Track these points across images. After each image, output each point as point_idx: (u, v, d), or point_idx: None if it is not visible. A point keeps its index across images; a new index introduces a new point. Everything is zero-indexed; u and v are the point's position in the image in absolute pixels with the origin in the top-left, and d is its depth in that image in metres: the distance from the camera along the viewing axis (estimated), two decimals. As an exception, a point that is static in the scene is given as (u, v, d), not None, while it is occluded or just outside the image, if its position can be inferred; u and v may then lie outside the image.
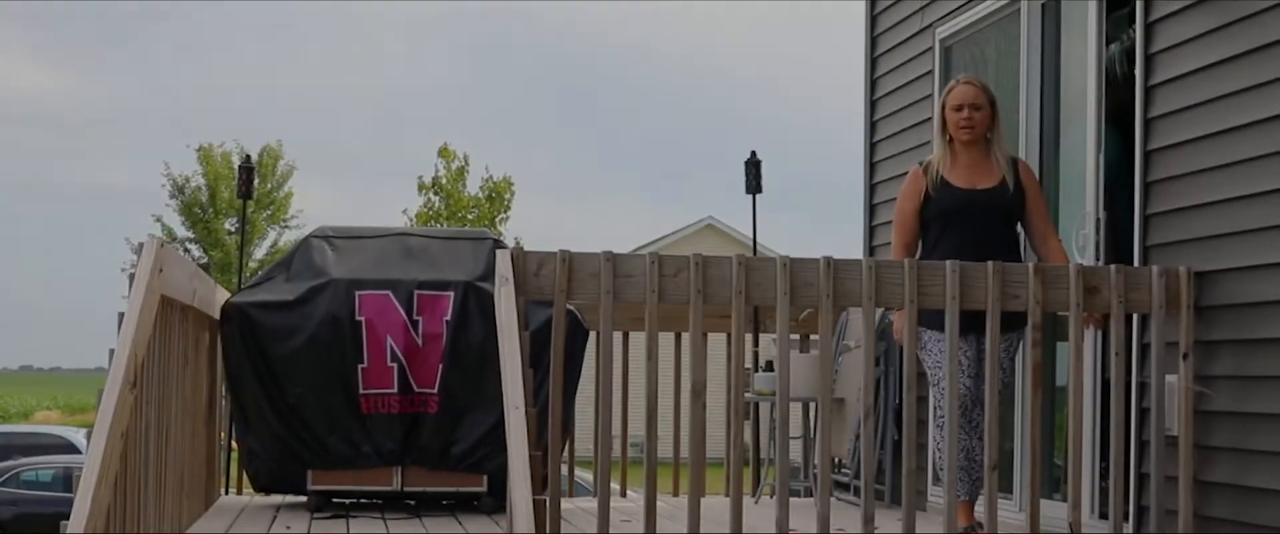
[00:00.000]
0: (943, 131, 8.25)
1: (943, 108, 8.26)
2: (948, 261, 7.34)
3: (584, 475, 16.04)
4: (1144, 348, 7.71)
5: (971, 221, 8.06)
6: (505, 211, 42.21)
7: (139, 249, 7.06)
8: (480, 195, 42.00)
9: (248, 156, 14.95)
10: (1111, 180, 8.60)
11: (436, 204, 41.73)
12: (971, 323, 7.55)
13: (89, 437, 30.93)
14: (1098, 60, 8.60)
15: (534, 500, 5.99)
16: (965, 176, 8.14)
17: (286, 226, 51.09)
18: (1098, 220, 8.44)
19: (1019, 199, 8.14)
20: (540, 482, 6.43)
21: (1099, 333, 8.07)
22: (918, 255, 8.20)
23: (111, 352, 6.38)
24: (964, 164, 8.18)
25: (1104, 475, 8.11)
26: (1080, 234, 8.62)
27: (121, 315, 6.64)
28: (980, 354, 7.82)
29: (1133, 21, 8.24)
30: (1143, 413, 7.67)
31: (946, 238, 8.08)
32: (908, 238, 8.27)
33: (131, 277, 6.89)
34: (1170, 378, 7.44)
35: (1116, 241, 8.46)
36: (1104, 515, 7.87)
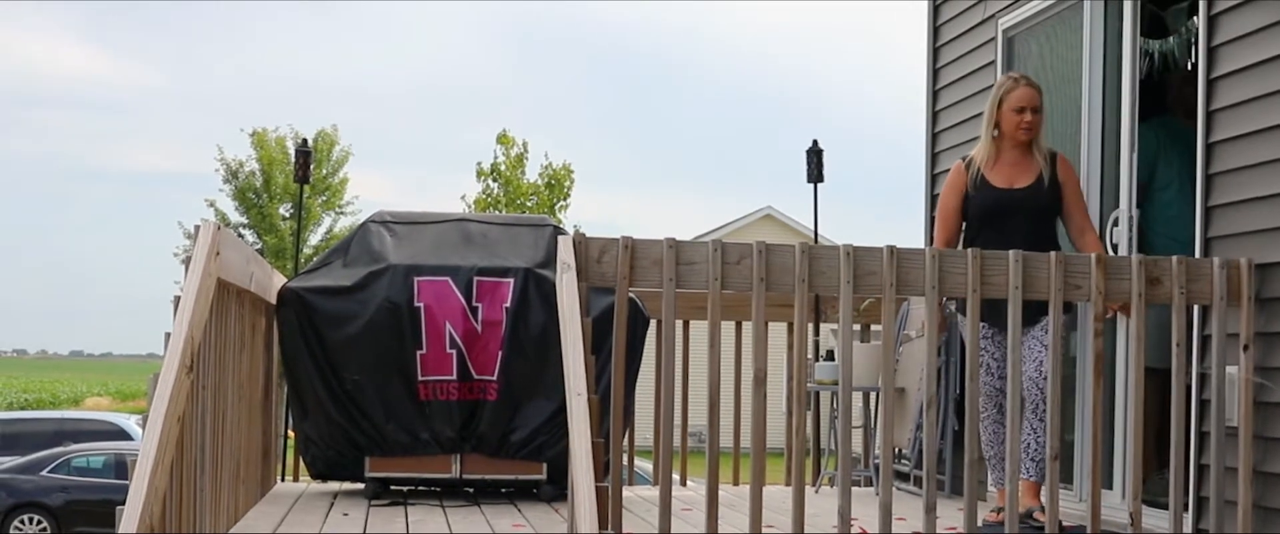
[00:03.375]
0: (992, 127, 8.24)
1: (997, 105, 8.24)
2: (1011, 251, 7.29)
3: (642, 464, 16.03)
4: (1204, 339, 7.66)
5: (1009, 220, 8.10)
6: (565, 199, 42.14)
7: (194, 233, 7.04)
8: (539, 182, 41.94)
9: (305, 141, 14.97)
10: (1144, 178, 8.61)
11: (495, 191, 41.70)
12: (996, 316, 7.54)
13: (140, 423, 31.14)
14: (1132, 58, 8.59)
15: (596, 488, 5.95)
16: (1005, 175, 8.16)
17: (341, 212, 51.10)
18: (1130, 218, 8.43)
19: (1055, 195, 8.17)
20: (602, 469, 6.40)
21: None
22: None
23: (167, 336, 6.34)
24: (1006, 162, 8.20)
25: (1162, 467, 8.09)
26: (1113, 231, 8.59)
27: (177, 299, 6.59)
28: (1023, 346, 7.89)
29: (1192, 15, 8.20)
30: (1203, 404, 7.63)
31: (984, 235, 8.08)
32: (949, 233, 8.32)
33: (186, 261, 6.86)
34: (1230, 369, 7.39)
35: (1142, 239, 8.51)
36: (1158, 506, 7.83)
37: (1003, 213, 8.14)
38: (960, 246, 8.29)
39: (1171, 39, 9.90)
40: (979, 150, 8.34)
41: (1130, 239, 8.46)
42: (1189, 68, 9.62)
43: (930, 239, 11.01)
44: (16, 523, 26.25)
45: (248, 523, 8.38)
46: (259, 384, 9.15)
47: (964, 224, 8.39)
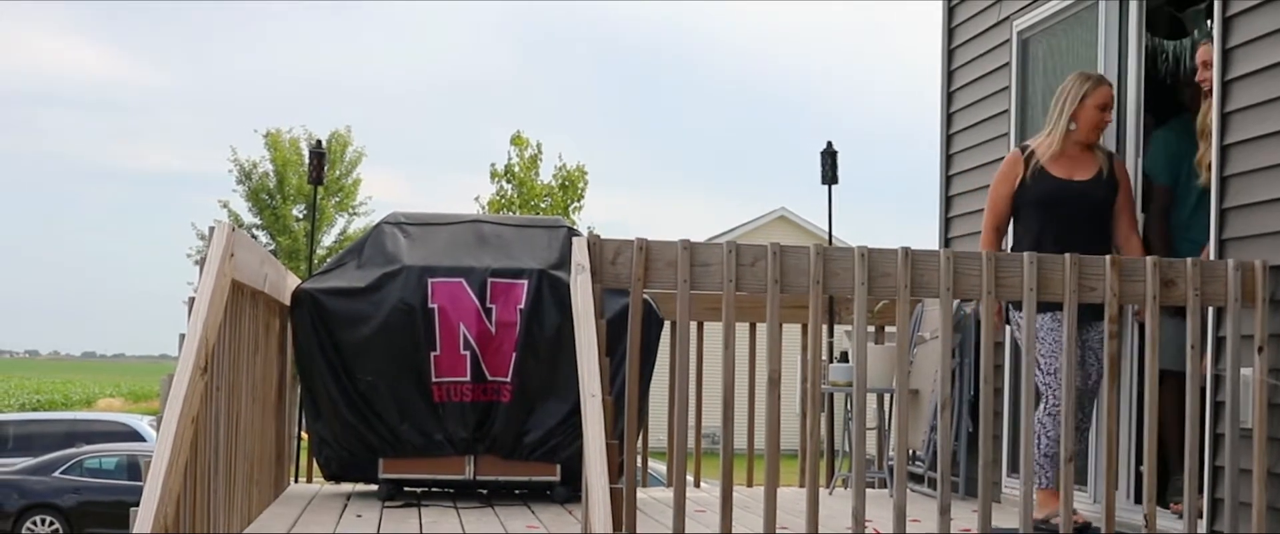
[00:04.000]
0: (1067, 121, 8.25)
1: (1080, 101, 8.24)
2: (1025, 253, 7.28)
3: (656, 466, 16.03)
4: (1219, 341, 7.65)
5: (1066, 212, 8.14)
6: (579, 200, 42.13)
7: (208, 234, 7.04)
8: (553, 183, 41.94)
9: (318, 142, 14.93)
10: (1169, 181, 8.61)
11: (509, 192, 41.70)
12: (1081, 312, 7.51)
13: (153, 424, 31.14)
14: (1138, 63, 8.61)
15: (610, 489, 5.95)
16: (1065, 167, 8.20)
17: (355, 214, 51.19)
18: (1136, 220, 8.45)
19: (1111, 193, 8.21)
20: (616, 470, 6.39)
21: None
22: (1007, 243, 8.27)
23: (181, 337, 6.34)
24: (1068, 155, 8.24)
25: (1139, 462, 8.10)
26: None
27: (191, 301, 6.59)
28: (1083, 344, 7.95)
29: (1209, 16, 8.19)
30: (1217, 406, 7.61)
31: (1040, 226, 8.10)
32: (999, 221, 8.38)
33: (199, 262, 6.85)
34: (1245, 371, 7.38)
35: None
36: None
37: (1060, 203, 8.18)
38: (1009, 236, 8.34)
39: (1187, 40, 9.90)
40: (1042, 141, 8.35)
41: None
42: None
43: (946, 240, 11.01)
44: (29, 524, 26.27)
45: (261, 524, 8.39)
46: (273, 385, 9.16)
47: (1013, 214, 8.40)
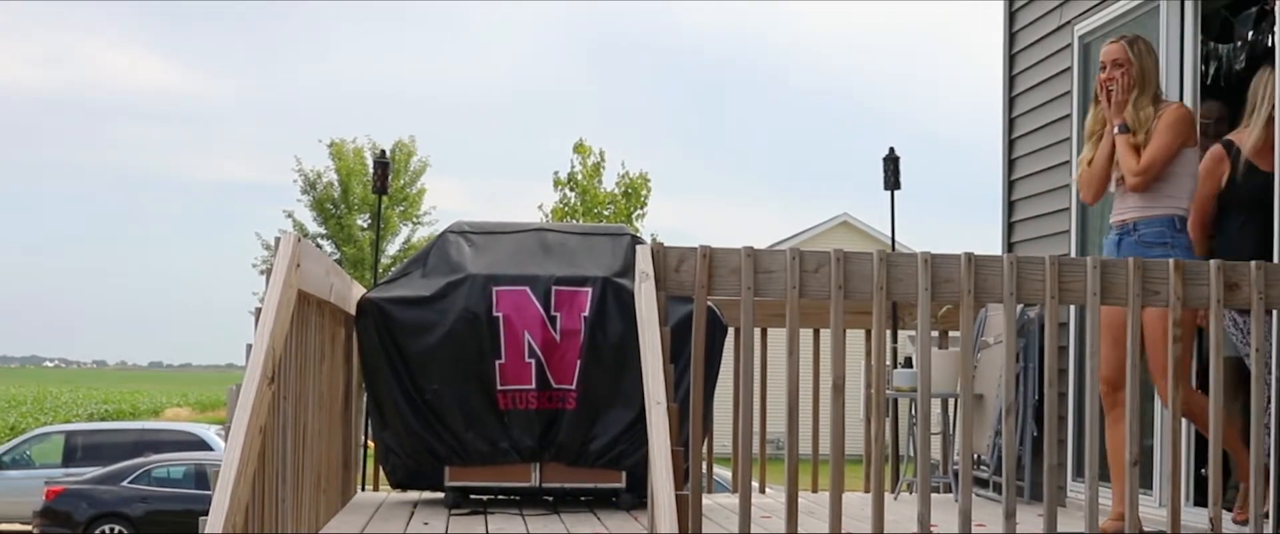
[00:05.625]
0: (1269, 114, 8.18)
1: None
2: (1089, 257, 7.26)
3: (721, 472, 16.04)
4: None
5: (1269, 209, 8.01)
6: (641, 208, 42.16)
7: (274, 244, 7.09)
8: (616, 191, 41.98)
9: (382, 152, 15.03)
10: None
11: (572, 200, 41.76)
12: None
13: (220, 434, 31.34)
14: (1194, 65, 8.58)
15: (676, 495, 5.97)
16: (1267, 159, 8.09)
17: (419, 223, 51.38)
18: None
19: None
20: (681, 476, 6.42)
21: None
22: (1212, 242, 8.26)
23: (248, 347, 6.38)
24: (1266, 146, 8.14)
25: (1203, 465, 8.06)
26: None
27: (258, 311, 6.64)
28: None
29: (1265, 17, 8.17)
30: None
31: (1251, 224, 8.09)
32: (1205, 218, 8.27)
33: (264, 272, 6.89)
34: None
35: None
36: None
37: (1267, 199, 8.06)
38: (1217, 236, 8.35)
39: (1239, 43, 9.88)
40: (1244, 135, 8.28)
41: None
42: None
43: (1009, 244, 11.01)
44: (98, 533, 26.46)
45: (330, 531, 8.44)
46: (339, 394, 9.21)
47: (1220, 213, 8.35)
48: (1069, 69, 10.16)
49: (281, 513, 6.86)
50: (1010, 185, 11.16)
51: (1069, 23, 10.20)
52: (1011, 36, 11.27)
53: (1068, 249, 9.91)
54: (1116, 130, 7.99)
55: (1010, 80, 11.25)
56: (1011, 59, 11.27)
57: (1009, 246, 11.02)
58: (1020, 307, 8.56)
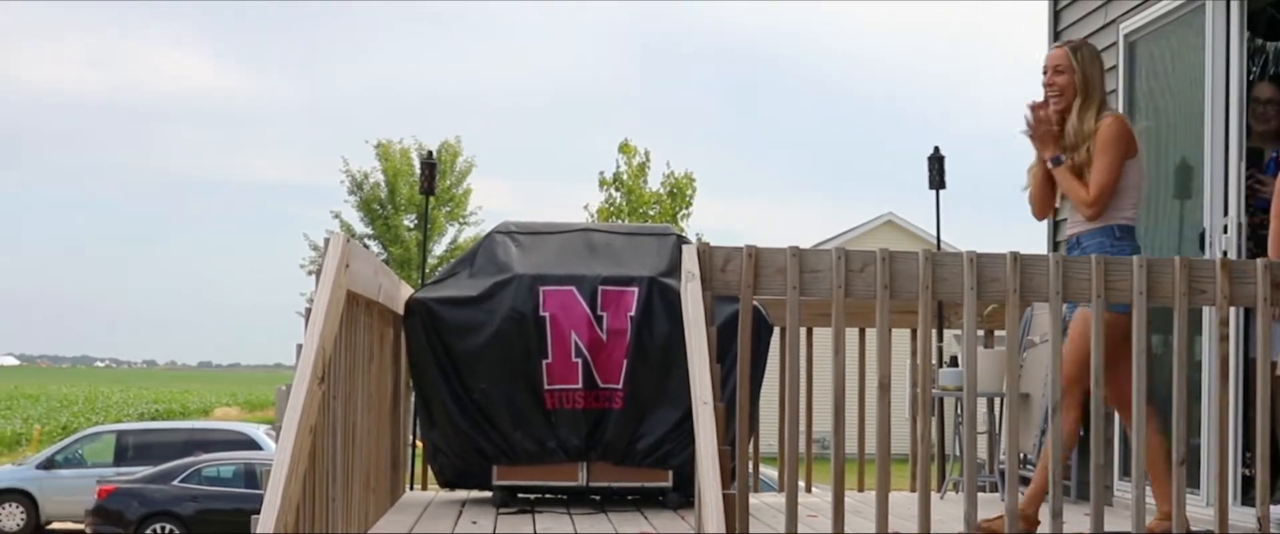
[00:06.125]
0: None
1: None
2: (1135, 257, 7.26)
3: (767, 471, 16.06)
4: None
5: None
6: (687, 207, 42.14)
7: (323, 245, 7.13)
8: (661, 191, 41.96)
9: (430, 153, 15.05)
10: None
11: (617, 200, 41.76)
12: None
13: (269, 433, 31.50)
14: (1240, 64, 8.56)
15: (723, 494, 6.00)
16: None
17: (465, 223, 51.46)
18: (1239, 225, 8.40)
19: None
20: (728, 475, 6.44)
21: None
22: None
23: (298, 347, 6.43)
24: None
25: (1247, 464, 8.04)
26: (1222, 239, 8.55)
27: (308, 311, 6.68)
28: None
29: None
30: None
31: None
32: None
33: (312, 273, 6.94)
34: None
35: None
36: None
37: None
38: None
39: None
40: None
41: (1239, 247, 8.43)
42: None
43: (1054, 243, 10.99)
44: (150, 531, 26.63)
45: (379, 530, 8.49)
46: (387, 394, 9.25)
47: None
48: (1115, 67, 10.14)
49: (332, 512, 6.90)
50: (1056, 184, 11.13)
51: (1114, 21, 10.18)
52: (1056, 35, 11.25)
53: (1114, 248, 9.88)
54: (1051, 164, 7.94)
55: (1056, 78, 11.21)
56: (1056, 58, 11.23)
57: (1054, 246, 11.00)
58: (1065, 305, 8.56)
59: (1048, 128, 7.93)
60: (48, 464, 32.07)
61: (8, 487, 31.60)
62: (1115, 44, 10.15)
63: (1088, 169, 7.80)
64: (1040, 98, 8.01)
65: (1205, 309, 8.48)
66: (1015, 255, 7.14)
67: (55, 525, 31.89)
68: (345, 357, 7.19)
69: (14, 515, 31.25)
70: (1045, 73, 8.02)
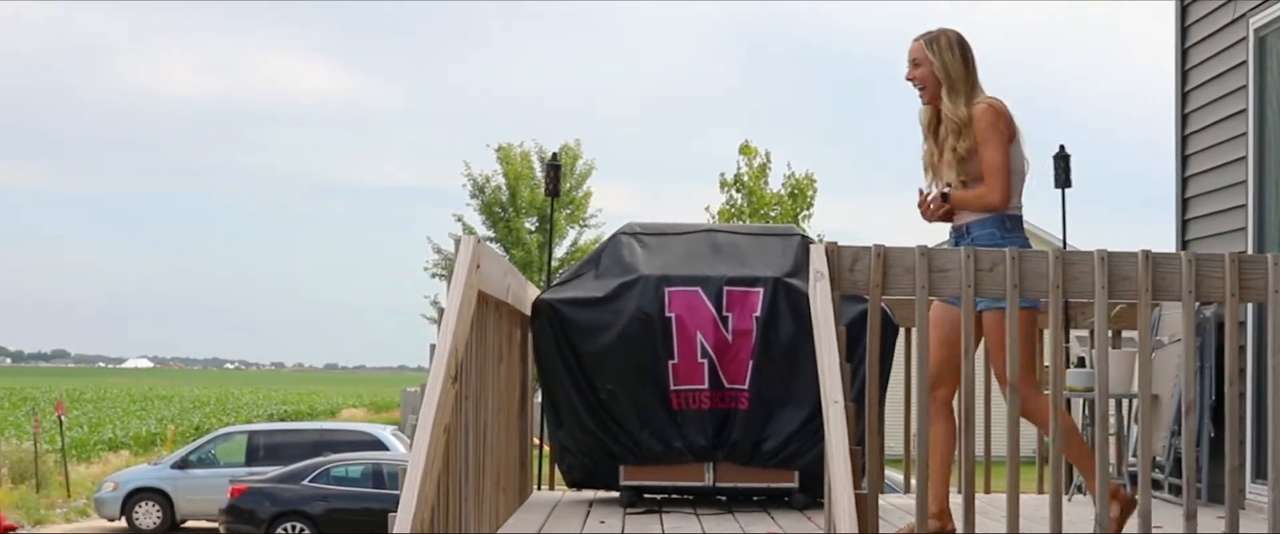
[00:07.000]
0: None
1: None
2: (1269, 254, 7.17)
3: (891, 473, 15.99)
4: None
5: None
6: (808, 208, 42.00)
7: (454, 247, 7.16)
8: (783, 192, 41.84)
9: (554, 155, 15.14)
10: None
11: (739, 201, 41.68)
12: None
13: (396, 434, 31.84)
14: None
15: (855, 494, 5.98)
16: None
17: (586, 225, 51.49)
18: None
19: None
20: (859, 475, 6.42)
21: None
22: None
23: (432, 347, 6.48)
24: None
25: None
26: None
27: (440, 312, 6.74)
28: None
29: None
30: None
31: None
32: None
33: (438, 276, 6.99)
34: None
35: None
36: None
37: None
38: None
39: None
40: None
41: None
42: None
43: (1183, 242, 10.90)
44: (280, 530, 26.94)
45: (509, 529, 8.54)
46: (516, 394, 9.30)
47: None
48: (1244, 63, 10.03)
49: (464, 512, 6.95)
50: (1184, 183, 11.05)
51: (1244, 16, 10.07)
52: (1184, 31, 11.15)
53: (1245, 246, 9.79)
54: (942, 200, 7.82)
55: (1183, 76, 11.12)
56: (1184, 54, 11.14)
57: (1184, 244, 10.90)
58: (1197, 305, 8.48)
59: (931, 208, 7.85)
60: (182, 464, 32.61)
61: (145, 485, 32.18)
62: (1245, 39, 10.04)
63: (973, 156, 7.68)
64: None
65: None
66: (1147, 254, 7.06)
67: (189, 524, 32.35)
68: (476, 357, 7.23)
69: (150, 514, 31.79)
70: (914, 66, 7.89)
